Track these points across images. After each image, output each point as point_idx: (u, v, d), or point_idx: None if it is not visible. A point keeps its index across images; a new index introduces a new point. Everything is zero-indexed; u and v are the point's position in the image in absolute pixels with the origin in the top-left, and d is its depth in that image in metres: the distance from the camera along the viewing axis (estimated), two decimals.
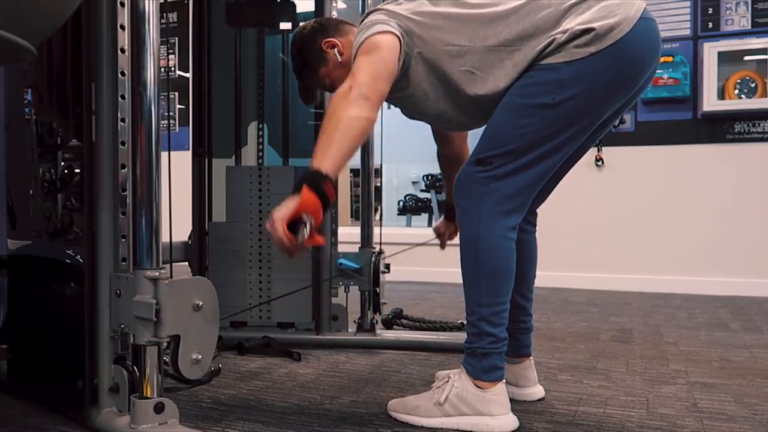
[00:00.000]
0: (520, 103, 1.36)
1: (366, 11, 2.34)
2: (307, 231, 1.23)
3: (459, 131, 1.74)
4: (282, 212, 1.26)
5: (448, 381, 1.43)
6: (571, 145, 1.38)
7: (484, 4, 1.41)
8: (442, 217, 1.96)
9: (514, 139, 1.36)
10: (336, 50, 1.58)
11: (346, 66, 1.56)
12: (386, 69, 1.38)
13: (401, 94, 1.48)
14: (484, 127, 1.44)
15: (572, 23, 1.31)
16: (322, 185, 1.26)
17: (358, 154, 2.32)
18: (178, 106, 4.98)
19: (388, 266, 2.32)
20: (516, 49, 1.35)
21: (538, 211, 1.63)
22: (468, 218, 1.40)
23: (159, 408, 1.24)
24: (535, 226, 1.63)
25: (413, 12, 1.44)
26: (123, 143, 1.34)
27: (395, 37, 1.39)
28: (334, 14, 2.22)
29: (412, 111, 1.56)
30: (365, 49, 1.39)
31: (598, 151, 3.94)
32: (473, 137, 1.58)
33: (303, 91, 1.71)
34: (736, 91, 3.64)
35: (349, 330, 2.25)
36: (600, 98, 1.34)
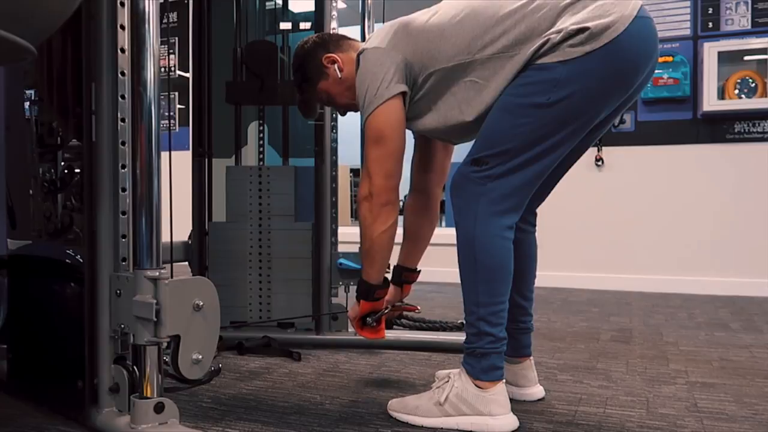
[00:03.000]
0: (516, 103, 1.36)
1: (365, 11, 2.37)
2: (371, 321, 1.62)
3: (464, 141, 1.72)
4: (353, 313, 1.63)
5: (448, 381, 1.43)
6: (567, 145, 1.38)
7: (477, 11, 1.41)
8: (389, 285, 1.68)
9: (510, 139, 1.36)
10: (336, 66, 1.60)
11: (346, 82, 1.57)
12: (396, 159, 1.47)
13: (417, 112, 1.50)
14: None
15: (567, 23, 1.31)
16: (374, 295, 1.58)
17: (357, 154, 2.33)
18: (178, 106, 4.98)
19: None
20: (516, 53, 1.35)
21: (538, 210, 1.63)
22: (464, 218, 1.40)
23: (159, 408, 1.24)
24: (534, 226, 1.63)
25: (408, 35, 1.45)
26: (123, 143, 1.34)
27: (397, 100, 1.43)
28: (334, 14, 2.22)
29: (424, 126, 1.54)
30: (373, 138, 1.45)
31: (598, 151, 3.94)
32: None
33: (302, 104, 1.72)
34: (736, 91, 3.64)
35: (349, 330, 2.25)
36: (595, 98, 1.34)
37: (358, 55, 1.50)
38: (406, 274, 1.76)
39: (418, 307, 1.80)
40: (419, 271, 1.79)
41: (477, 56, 1.39)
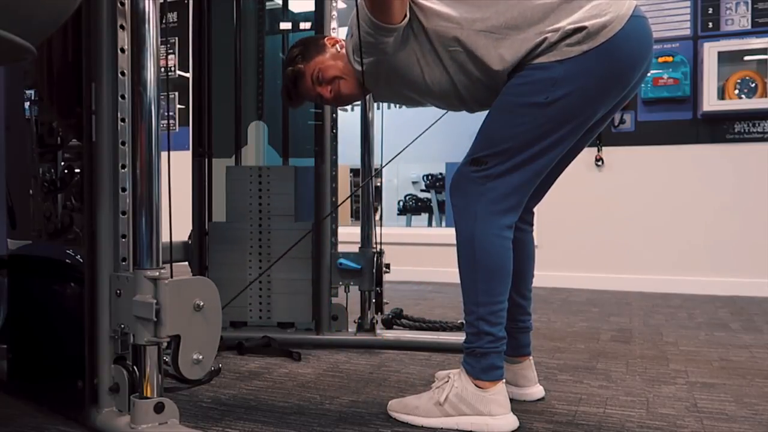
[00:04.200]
0: (514, 103, 1.36)
1: None
2: None
3: (452, 110, 1.71)
4: None
5: (447, 381, 1.43)
6: (565, 144, 1.39)
7: None
8: None
9: (509, 139, 1.36)
10: (338, 45, 1.61)
11: (342, 58, 1.57)
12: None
13: (402, 62, 1.45)
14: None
15: (564, 22, 1.32)
16: None
17: (357, 154, 2.33)
18: (178, 106, 4.98)
19: (388, 266, 2.32)
20: (502, 37, 1.35)
21: (536, 210, 1.63)
22: (464, 218, 1.41)
23: (159, 408, 1.24)
24: (532, 225, 1.63)
25: None
26: (123, 143, 1.34)
27: None
28: (334, 14, 2.22)
29: (409, 91, 1.53)
30: None
31: (598, 151, 3.94)
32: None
33: (287, 86, 1.67)
34: (736, 91, 3.64)
35: (349, 330, 2.25)
36: (593, 96, 1.35)
37: None
38: None
39: None
40: None
41: (465, 27, 1.38)
